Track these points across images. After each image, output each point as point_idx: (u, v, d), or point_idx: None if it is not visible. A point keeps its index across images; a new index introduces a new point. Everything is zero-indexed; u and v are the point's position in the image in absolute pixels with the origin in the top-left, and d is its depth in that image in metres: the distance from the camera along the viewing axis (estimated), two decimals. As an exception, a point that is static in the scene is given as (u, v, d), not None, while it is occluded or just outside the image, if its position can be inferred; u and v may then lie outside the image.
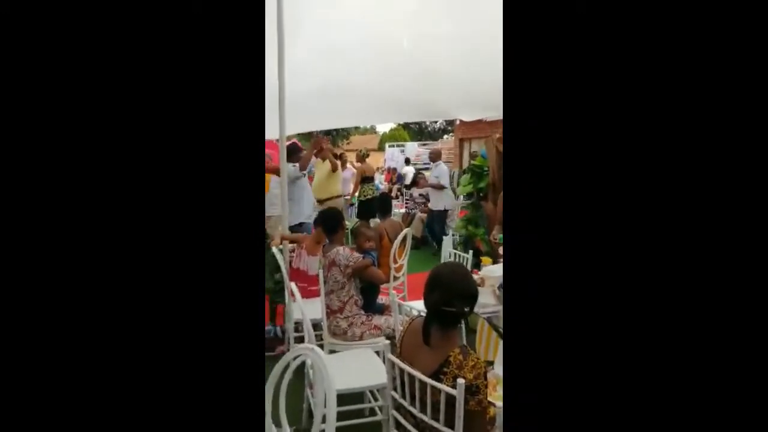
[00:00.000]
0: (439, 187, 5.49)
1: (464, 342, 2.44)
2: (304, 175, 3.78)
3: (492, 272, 2.18)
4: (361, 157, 6.29)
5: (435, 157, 6.21)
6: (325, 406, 1.20)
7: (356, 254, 2.33)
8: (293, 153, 4.10)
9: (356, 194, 6.34)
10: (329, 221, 2.54)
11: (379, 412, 2.00)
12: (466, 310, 1.30)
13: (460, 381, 1.14)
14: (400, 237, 3.00)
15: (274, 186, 3.95)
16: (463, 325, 2.44)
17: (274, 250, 2.67)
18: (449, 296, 1.28)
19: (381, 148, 17.26)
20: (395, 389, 1.40)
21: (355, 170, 6.58)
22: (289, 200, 3.44)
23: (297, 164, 3.53)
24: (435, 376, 1.23)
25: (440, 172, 5.66)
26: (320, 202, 4.57)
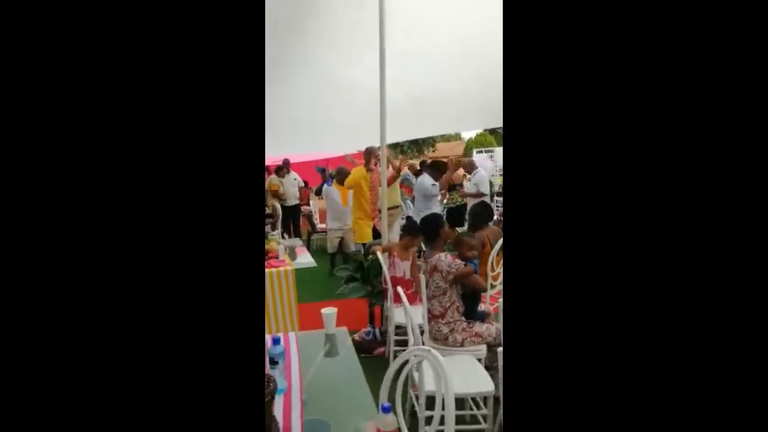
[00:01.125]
0: (478, 195, 5.39)
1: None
2: None
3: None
4: (454, 164, 6.28)
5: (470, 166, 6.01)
6: (443, 408, 1.23)
7: (458, 261, 2.34)
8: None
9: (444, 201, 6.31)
10: (429, 227, 2.59)
11: (482, 420, 1.99)
12: None
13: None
14: (498, 245, 2.96)
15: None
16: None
17: (379, 255, 2.78)
18: None
19: (467, 155, 17.02)
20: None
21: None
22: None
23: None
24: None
25: (479, 179, 5.56)
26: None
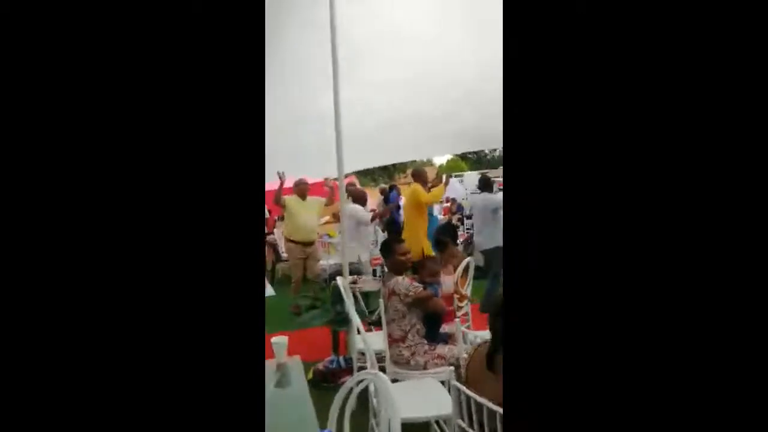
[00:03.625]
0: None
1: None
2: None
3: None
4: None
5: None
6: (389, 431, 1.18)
7: (416, 284, 2.32)
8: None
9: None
10: (384, 251, 2.57)
11: (446, 445, 1.94)
12: None
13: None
14: (461, 266, 2.96)
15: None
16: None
17: (339, 281, 2.73)
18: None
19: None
20: (462, 417, 1.35)
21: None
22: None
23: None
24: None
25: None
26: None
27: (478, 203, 4.75)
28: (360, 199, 4.83)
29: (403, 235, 3.91)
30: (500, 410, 1.15)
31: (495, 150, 19.85)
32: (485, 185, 4.84)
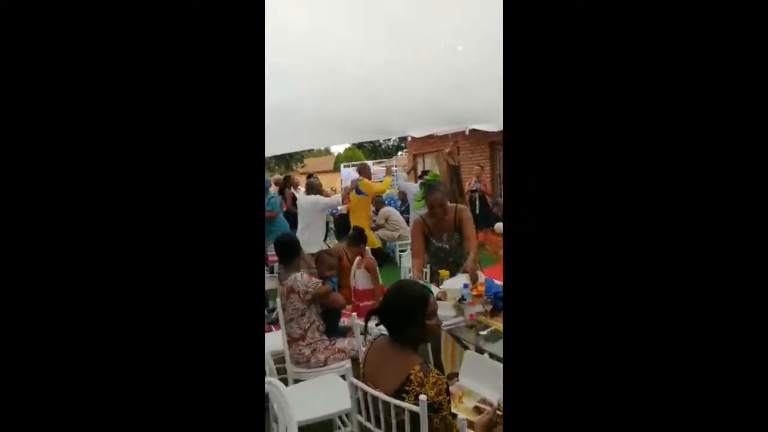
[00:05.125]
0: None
1: (431, 358, 2.45)
2: None
3: (452, 285, 2.20)
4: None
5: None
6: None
7: (315, 279, 2.30)
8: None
9: None
10: (283, 248, 2.50)
11: (349, 438, 1.96)
12: (416, 324, 1.30)
13: (423, 398, 1.14)
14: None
15: None
16: (428, 344, 2.46)
17: None
18: (398, 314, 1.30)
19: (336, 169, 17.25)
20: (360, 412, 1.38)
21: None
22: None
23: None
24: (397, 394, 1.22)
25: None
26: None
27: (306, 205, 4.49)
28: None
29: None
30: (394, 401, 1.20)
31: (389, 139, 20.35)
32: (311, 189, 4.63)
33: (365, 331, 1.44)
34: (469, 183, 6.41)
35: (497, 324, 1.95)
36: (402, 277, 3.34)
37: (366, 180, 4.60)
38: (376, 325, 1.58)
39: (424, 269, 2.54)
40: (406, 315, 1.31)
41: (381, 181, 4.88)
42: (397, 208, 6.35)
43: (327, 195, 4.62)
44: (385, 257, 5.99)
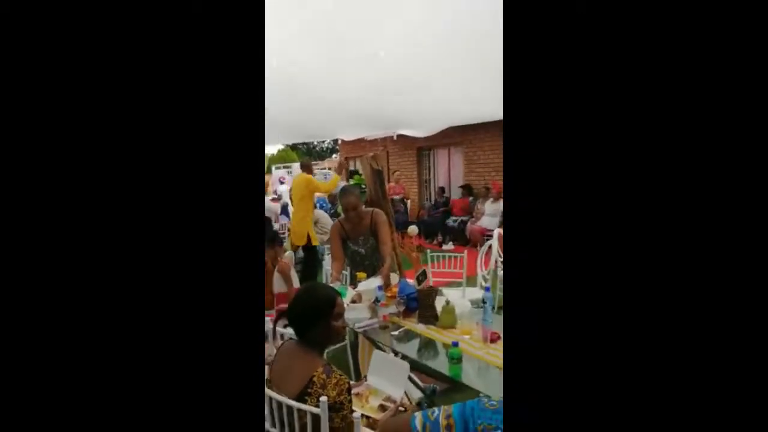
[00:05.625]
0: None
1: (350, 362, 2.48)
2: None
3: (367, 286, 2.24)
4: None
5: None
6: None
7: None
8: None
9: None
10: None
11: None
12: (321, 326, 1.32)
13: (323, 399, 1.16)
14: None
15: None
16: (348, 348, 2.48)
17: None
18: (304, 315, 1.32)
19: (269, 170, 16.83)
20: (273, 425, 1.37)
21: None
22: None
23: None
24: (300, 397, 1.23)
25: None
26: None
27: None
28: None
29: (293, 221, 4.13)
30: (296, 404, 1.20)
31: (324, 141, 20.24)
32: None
33: (273, 334, 1.43)
34: (390, 187, 6.59)
35: (409, 324, 2.02)
36: (324, 280, 3.34)
37: (310, 177, 4.44)
38: (285, 326, 1.58)
39: (344, 272, 2.57)
40: (312, 316, 1.32)
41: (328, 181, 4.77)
42: (327, 211, 6.33)
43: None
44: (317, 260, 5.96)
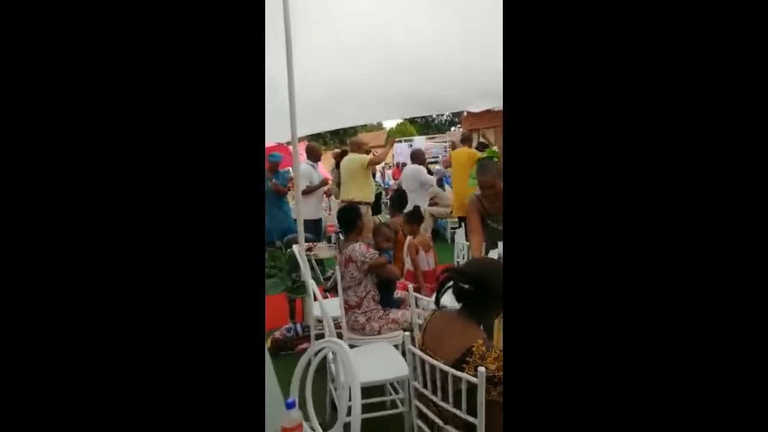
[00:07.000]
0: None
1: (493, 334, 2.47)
2: None
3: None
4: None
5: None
6: (349, 399, 1.23)
7: (372, 251, 2.36)
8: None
9: None
10: (344, 218, 2.58)
11: (400, 404, 2.04)
12: (495, 310, 1.33)
13: (481, 369, 1.17)
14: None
15: None
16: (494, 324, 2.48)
17: (295, 249, 2.72)
18: (480, 291, 1.31)
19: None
20: (416, 379, 1.43)
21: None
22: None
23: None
24: (457, 365, 1.25)
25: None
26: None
27: (409, 174, 5.43)
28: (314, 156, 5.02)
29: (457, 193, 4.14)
30: (451, 371, 1.23)
31: (442, 115, 20.00)
32: (414, 157, 5.64)
33: (437, 304, 1.46)
34: None
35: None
36: (455, 255, 3.35)
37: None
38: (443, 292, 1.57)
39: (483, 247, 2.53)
40: (496, 297, 1.30)
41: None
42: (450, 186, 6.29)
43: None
44: (435, 234, 6.00)
